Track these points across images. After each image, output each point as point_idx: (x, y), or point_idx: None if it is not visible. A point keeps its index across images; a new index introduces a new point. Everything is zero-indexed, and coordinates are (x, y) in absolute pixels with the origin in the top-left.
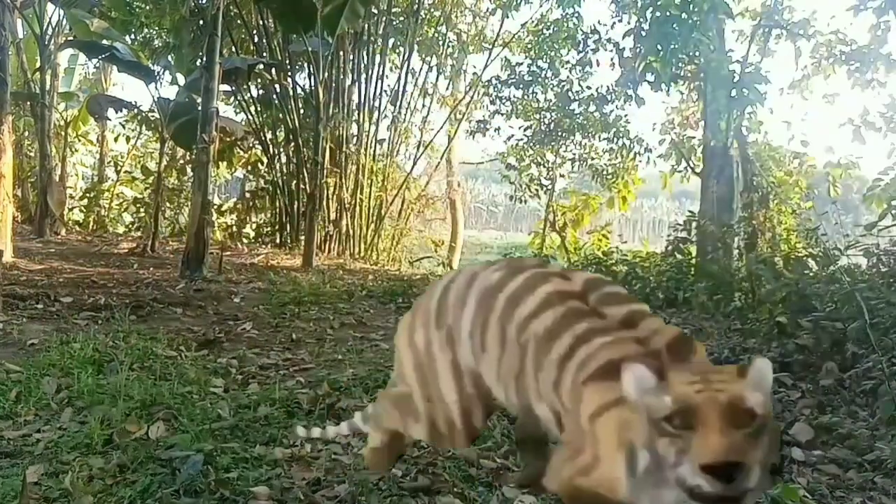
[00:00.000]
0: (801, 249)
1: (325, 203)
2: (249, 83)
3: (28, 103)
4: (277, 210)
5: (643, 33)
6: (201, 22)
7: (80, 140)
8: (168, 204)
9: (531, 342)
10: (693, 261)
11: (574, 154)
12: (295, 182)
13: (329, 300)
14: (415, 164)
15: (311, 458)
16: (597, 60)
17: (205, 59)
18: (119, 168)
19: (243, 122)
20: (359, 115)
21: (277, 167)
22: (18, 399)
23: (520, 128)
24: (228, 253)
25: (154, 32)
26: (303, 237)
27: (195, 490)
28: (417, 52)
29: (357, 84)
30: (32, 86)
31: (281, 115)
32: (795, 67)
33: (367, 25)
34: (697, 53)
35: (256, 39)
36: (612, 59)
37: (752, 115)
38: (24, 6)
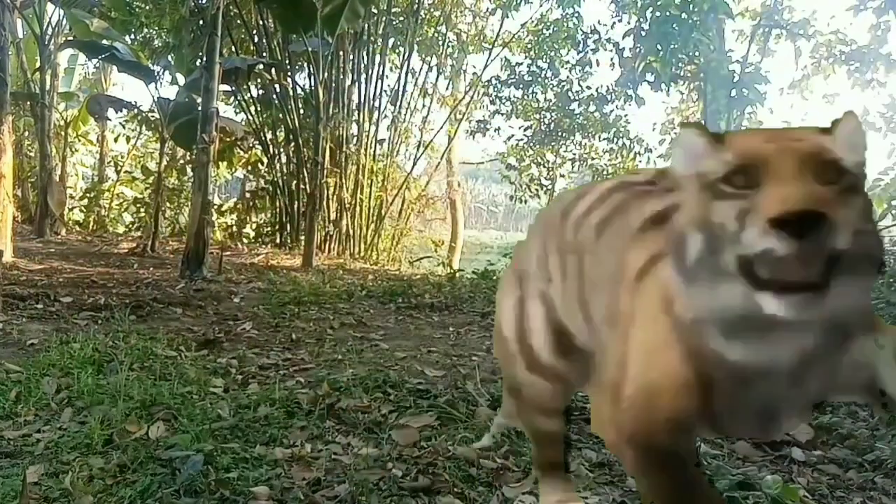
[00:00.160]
0: None
1: (325, 203)
2: (249, 83)
3: (28, 103)
4: (277, 210)
5: (643, 33)
6: (201, 22)
7: (80, 140)
8: (168, 204)
9: (603, 235)
10: None
11: (574, 154)
12: (295, 182)
13: (329, 300)
14: (415, 164)
15: (311, 458)
16: (597, 60)
17: (205, 59)
18: (119, 168)
19: (243, 122)
20: (359, 115)
21: (277, 167)
22: (18, 399)
23: (520, 128)
24: (228, 253)
25: (154, 32)
26: (303, 237)
27: (195, 490)
28: (417, 52)
29: (357, 84)
30: (32, 86)
31: (281, 115)
32: (795, 67)
33: (367, 25)
34: (697, 53)
35: (256, 39)
36: (612, 59)
37: (752, 115)
38: (24, 6)
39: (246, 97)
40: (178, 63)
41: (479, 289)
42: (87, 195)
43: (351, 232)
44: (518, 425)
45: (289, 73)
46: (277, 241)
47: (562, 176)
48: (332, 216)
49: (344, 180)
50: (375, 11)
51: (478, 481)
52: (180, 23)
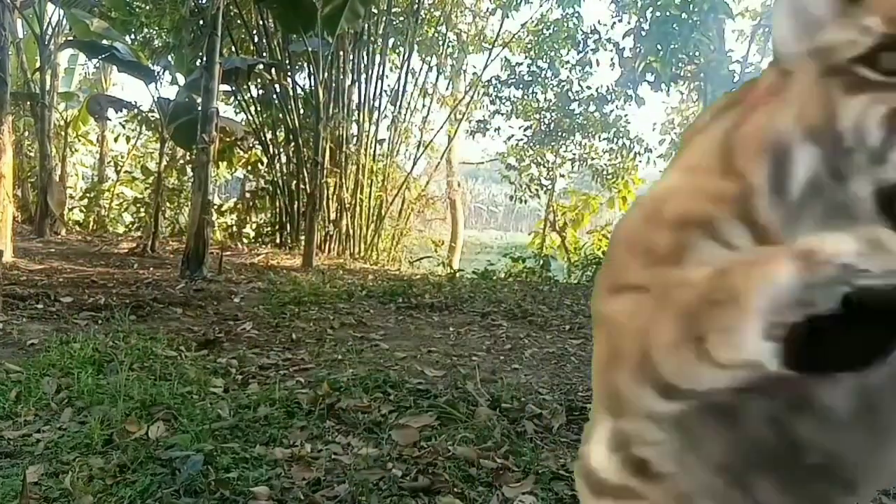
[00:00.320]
0: None
1: (325, 203)
2: (249, 83)
3: (28, 103)
4: (277, 210)
5: (643, 33)
6: (201, 22)
7: (80, 140)
8: (168, 204)
9: None
10: None
11: (574, 154)
12: (295, 182)
13: (329, 300)
14: (415, 164)
15: (311, 458)
16: (597, 60)
17: (205, 59)
18: (119, 168)
19: (243, 122)
20: (359, 115)
21: (277, 167)
22: (18, 399)
23: (520, 128)
24: (228, 253)
25: (154, 32)
26: (303, 237)
27: (195, 490)
28: (417, 52)
29: (357, 84)
30: (32, 86)
31: (281, 115)
32: None
33: (367, 25)
34: (697, 53)
35: (256, 39)
36: (612, 59)
37: None
38: (24, 6)
39: (246, 97)
40: (178, 63)
41: (479, 289)
42: (87, 195)
43: (351, 232)
44: None
45: (289, 73)
46: (277, 241)
47: (562, 176)
48: (332, 216)
49: (344, 180)
50: (375, 11)
51: (478, 481)
52: (180, 23)
